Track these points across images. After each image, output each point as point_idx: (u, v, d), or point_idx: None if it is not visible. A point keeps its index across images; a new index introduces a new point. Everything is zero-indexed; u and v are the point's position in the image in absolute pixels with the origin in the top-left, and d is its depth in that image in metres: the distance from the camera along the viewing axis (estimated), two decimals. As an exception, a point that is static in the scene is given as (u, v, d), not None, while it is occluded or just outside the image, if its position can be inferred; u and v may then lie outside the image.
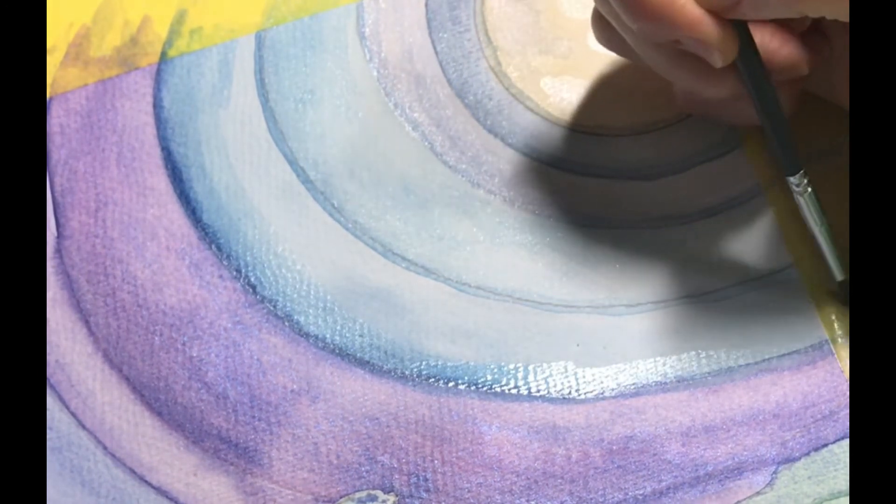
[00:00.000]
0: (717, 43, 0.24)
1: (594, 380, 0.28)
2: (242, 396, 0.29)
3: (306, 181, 0.32)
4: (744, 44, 0.25)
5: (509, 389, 0.28)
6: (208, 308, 0.30)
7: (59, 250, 0.31)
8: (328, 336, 0.29)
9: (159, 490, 0.28)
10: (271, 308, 0.30)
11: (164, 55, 0.34)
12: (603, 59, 0.32)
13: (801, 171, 0.27)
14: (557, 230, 0.30)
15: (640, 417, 0.28)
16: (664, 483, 0.27)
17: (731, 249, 0.30)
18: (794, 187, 0.27)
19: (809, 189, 0.27)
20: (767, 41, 0.26)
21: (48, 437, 0.29)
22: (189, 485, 0.28)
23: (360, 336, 0.29)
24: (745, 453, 0.27)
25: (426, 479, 0.28)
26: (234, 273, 0.30)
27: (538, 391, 0.28)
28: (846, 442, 0.27)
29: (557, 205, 0.31)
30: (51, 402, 0.29)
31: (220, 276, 0.30)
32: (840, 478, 0.27)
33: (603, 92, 0.32)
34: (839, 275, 0.28)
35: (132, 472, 0.28)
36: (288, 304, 0.30)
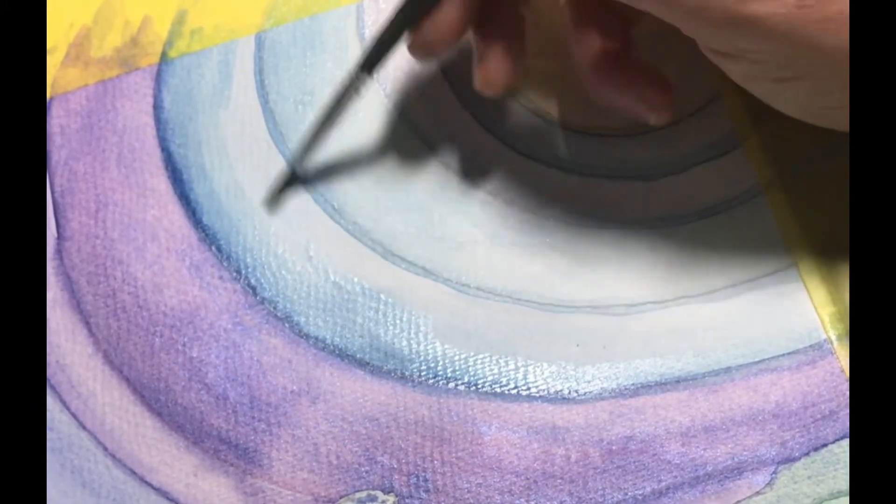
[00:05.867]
0: None
1: (594, 380, 0.28)
2: (242, 397, 0.29)
3: (306, 182, 0.32)
4: None
5: (509, 390, 0.28)
6: (208, 309, 0.30)
7: (59, 251, 0.31)
8: (328, 337, 0.29)
9: (159, 491, 0.28)
10: (271, 309, 0.30)
11: (164, 56, 0.34)
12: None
13: (372, 76, 0.28)
14: (557, 230, 0.30)
15: (640, 417, 0.28)
16: (664, 483, 0.27)
17: (731, 249, 0.30)
18: (355, 77, 0.28)
19: (359, 89, 0.29)
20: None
21: (49, 438, 0.29)
22: (189, 485, 0.28)
23: (360, 337, 0.29)
24: (745, 453, 0.27)
25: (426, 480, 0.28)
26: (235, 274, 0.30)
27: (538, 391, 0.28)
28: (846, 442, 0.27)
29: (557, 205, 0.31)
30: (51, 402, 0.29)
31: (221, 278, 0.30)
32: (840, 478, 0.27)
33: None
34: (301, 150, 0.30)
35: (132, 472, 0.28)
36: (288, 306, 0.30)
